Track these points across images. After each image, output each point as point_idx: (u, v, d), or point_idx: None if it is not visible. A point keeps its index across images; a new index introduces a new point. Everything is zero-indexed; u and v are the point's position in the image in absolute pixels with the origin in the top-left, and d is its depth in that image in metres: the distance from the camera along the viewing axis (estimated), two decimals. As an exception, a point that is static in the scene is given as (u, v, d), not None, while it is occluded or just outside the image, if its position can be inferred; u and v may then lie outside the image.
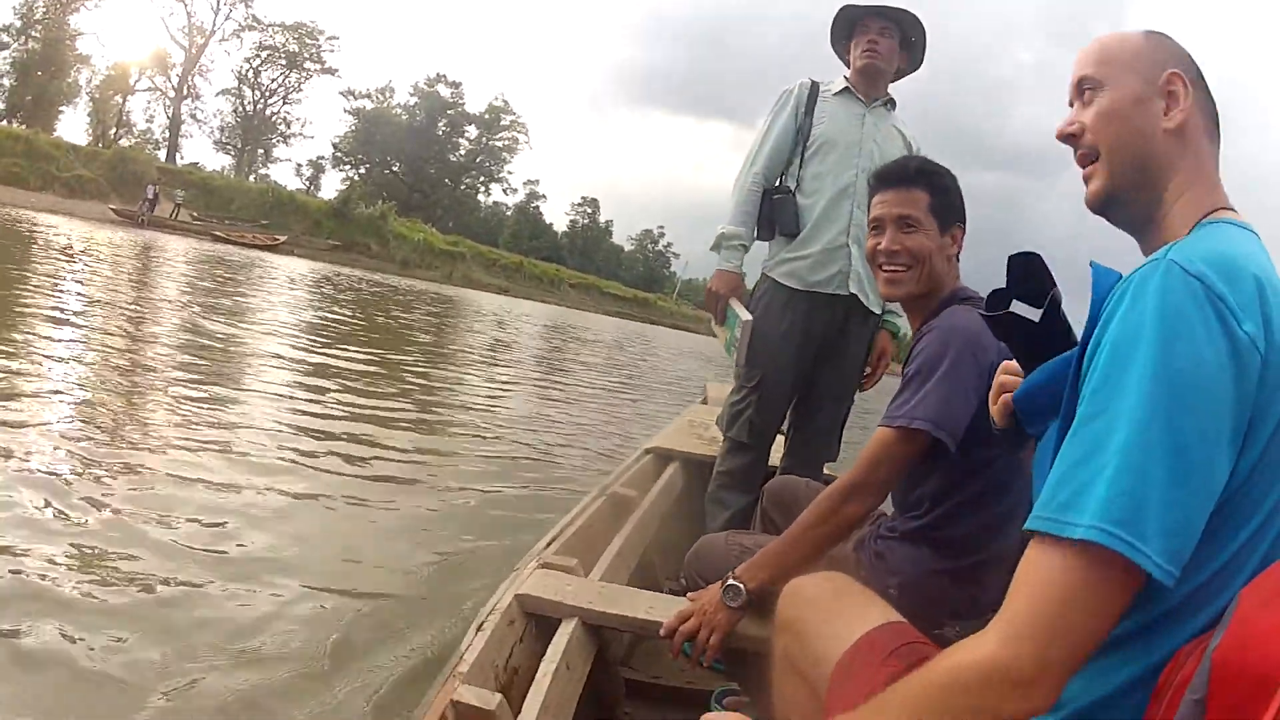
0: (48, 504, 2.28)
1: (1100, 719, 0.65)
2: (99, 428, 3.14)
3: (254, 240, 29.76)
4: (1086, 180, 0.81)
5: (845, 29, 2.21)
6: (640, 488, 2.33)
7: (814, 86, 2.20)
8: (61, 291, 7.02)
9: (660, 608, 1.37)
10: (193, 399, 3.93)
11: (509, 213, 66.65)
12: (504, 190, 65.52)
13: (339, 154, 60.00)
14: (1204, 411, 0.59)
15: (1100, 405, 0.61)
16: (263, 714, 1.55)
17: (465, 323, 15.45)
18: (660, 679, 1.75)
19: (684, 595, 1.38)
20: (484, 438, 4.57)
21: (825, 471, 2.27)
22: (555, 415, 5.99)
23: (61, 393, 3.59)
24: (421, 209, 53.90)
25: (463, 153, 62.93)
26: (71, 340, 4.87)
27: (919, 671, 0.64)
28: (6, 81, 43.71)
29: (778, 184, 2.18)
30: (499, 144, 63.27)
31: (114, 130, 47.01)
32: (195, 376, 4.45)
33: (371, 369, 6.17)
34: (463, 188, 63.09)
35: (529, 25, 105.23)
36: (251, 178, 50.43)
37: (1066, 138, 0.82)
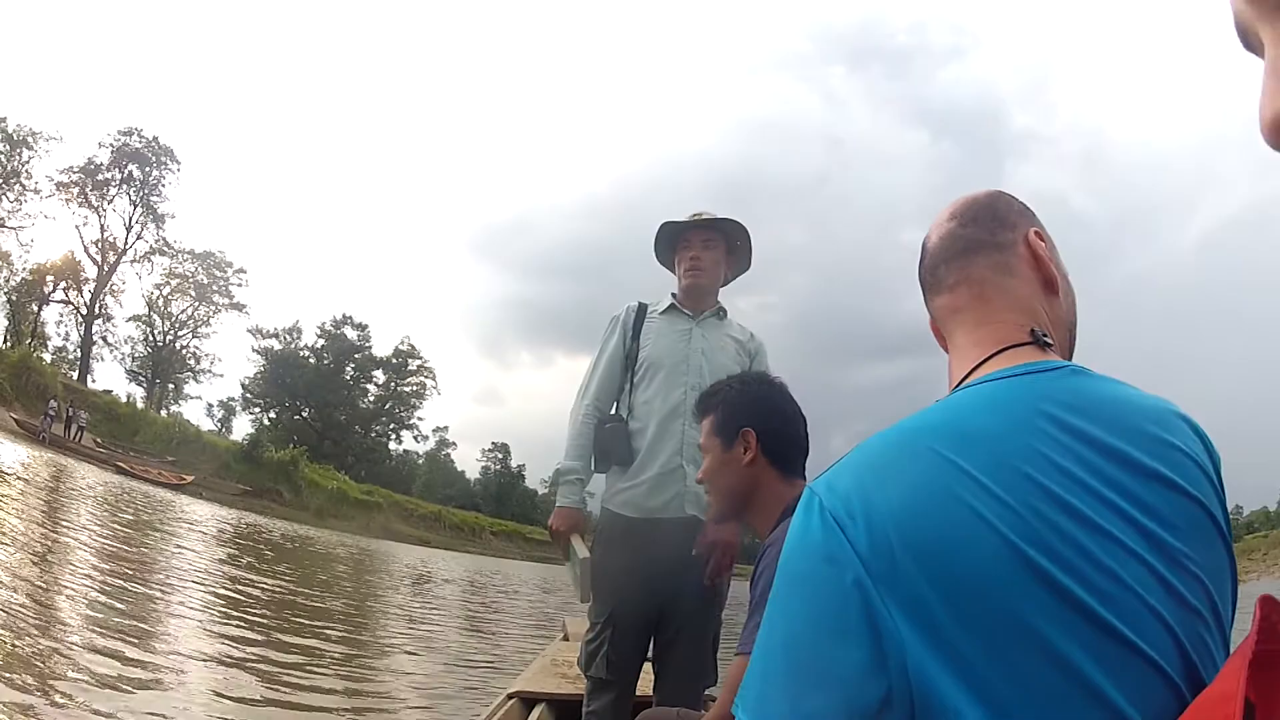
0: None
1: None
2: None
3: (160, 477, 26.78)
4: None
5: (669, 242, 2.22)
6: None
7: (641, 308, 2.21)
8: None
9: None
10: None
11: (420, 460, 64.20)
12: (415, 438, 62.79)
13: (248, 395, 56.71)
14: (812, 614, 0.59)
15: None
16: None
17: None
18: None
19: None
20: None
21: (706, 693, 2.16)
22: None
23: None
24: (333, 456, 50.75)
25: (372, 399, 61.10)
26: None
27: None
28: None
29: (613, 412, 2.17)
30: (407, 389, 61.39)
31: (29, 341, 42.12)
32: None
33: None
34: (373, 435, 60.66)
35: (427, 265, 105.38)
36: (164, 412, 46.47)
37: None
